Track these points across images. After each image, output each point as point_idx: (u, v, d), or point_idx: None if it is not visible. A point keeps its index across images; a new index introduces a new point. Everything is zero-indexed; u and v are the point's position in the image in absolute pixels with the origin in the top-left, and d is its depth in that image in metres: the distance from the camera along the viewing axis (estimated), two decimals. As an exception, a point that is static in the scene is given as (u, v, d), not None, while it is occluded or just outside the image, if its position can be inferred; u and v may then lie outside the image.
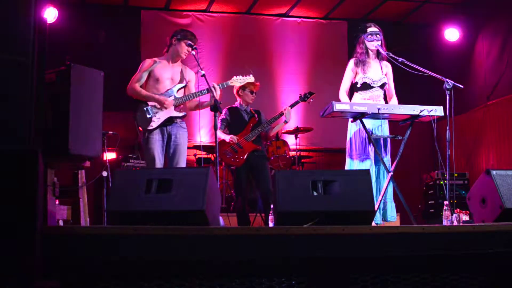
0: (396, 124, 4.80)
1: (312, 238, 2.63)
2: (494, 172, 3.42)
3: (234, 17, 8.69)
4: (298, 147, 7.24)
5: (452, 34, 8.21)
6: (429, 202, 7.48)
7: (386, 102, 4.85)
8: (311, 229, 2.67)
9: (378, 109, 4.38)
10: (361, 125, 4.49)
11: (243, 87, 5.61)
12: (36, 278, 2.26)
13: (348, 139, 4.78)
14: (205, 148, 6.93)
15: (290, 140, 7.37)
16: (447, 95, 4.32)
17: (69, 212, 3.70)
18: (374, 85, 4.73)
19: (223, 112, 5.62)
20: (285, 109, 5.65)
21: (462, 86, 4.38)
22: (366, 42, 4.76)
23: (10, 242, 2.21)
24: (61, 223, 3.78)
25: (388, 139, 4.73)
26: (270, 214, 4.39)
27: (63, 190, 3.52)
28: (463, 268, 2.78)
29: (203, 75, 4.55)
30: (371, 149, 4.59)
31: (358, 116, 4.44)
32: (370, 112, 4.38)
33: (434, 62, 7.77)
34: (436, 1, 8.35)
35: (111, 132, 6.54)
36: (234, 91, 5.70)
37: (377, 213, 4.53)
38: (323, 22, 8.99)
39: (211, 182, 2.91)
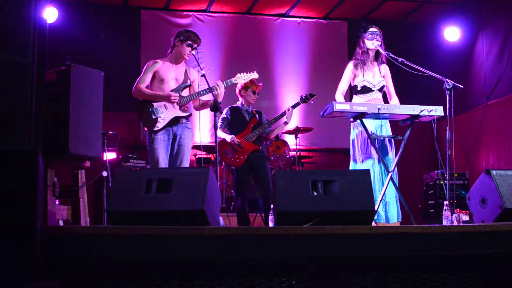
0: (396, 124, 4.80)
1: (312, 238, 2.62)
2: (494, 172, 3.42)
3: (234, 17, 8.70)
4: (298, 147, 7.24)
5: (452, 34, 8.21)
6: (429, 202, 7.49)
7: (386, 102, 4.85)
8: (311, 229, 2.67)
9: (378, 109, 4.38)
10: (361, 125, 4.50)
11: (245, 87, 5.62)
12: (36, 278, 2.26)
13: (351, 141, 4.79)
14: (205, 148, 6.94)
15: (290, 140, 7.37)
16: (447, 95, 4.32)
17: (69, 212, 3.69)
18: (373, 89, 4.75)
19: (225, 111, 5.63)
20: (288, 110, 5.65)
21: (462, 86, 4.39)
22: (366, 41, 4.77)
23: (10, 242, 2.21)
24: (61, 223, 3.78)
25: (391, 140, 4.73)
26: (270, 214, 4.40)
27: (63, 190, 3.52)
28: (463, 268, 2.78)
29: (203, 75, 4.56)
30: (373, 149, 4.59)
31: (358, 116, 4.44)
32: (370, 112, 4.38)
33: (434, 62, 7.78)
34: (436, 1, 8.36)
35: (111, 132, 6.54)
36: (237, 90, 5.71)
37: (381, 213, 4.53)
38: (323, 22, 8.99)
39: (211, 182, 2.91)
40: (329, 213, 2.88)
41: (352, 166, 4.77)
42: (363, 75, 4.75)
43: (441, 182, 7.02)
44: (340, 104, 4.38)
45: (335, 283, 2.69)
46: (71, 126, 3.18)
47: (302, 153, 8.00)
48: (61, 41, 6.61)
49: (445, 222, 4.04)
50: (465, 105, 7.93)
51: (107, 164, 6.20)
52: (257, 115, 5.73)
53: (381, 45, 4.76)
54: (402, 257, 2.71)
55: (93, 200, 6.54)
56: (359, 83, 4.76)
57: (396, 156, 4.65)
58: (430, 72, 4.52)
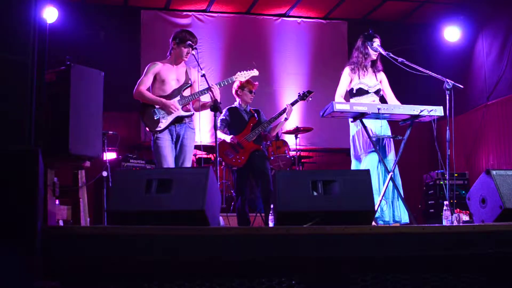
0: (396, 124, 4.80)
1: (312, 238, 2.63)
2: (494, 172, 3.42)
3: (234, 17, 8.70)
4: (298, 147, 7.24)
5: (452, 34, 8.21)
6: (429, 202, 7.49)
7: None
8: (311, 229, 2.67)
9: (378, 109, 4.39)
10: (361, 125, 4.50)
11: (241, 87, 5.62)
12: (36, 278, 2.26)
13: (351, 138, 4.79)
14: (205, 148, 6.93)
15: (290, 140, 7.37)
16: (447, 95, 4.32)
17: (69, 212, 3.69)
18: (370, 91, 4.76)
19: (223, 112, 5.63)
20: (287, 106, 5.64)
21: (462, 86, 4.39)
22: (369, 49, 4.78)
23: (10, 242, 2.21)
24: (61, 223, 3.78)
25: (390, 139, 4.73)
26: (270, 214, 4.39)
27: (63, 190, 3.52)
28: (463, 268, 2.78)
29: (203, 75, 4.56)
30: (373, 148, 4.59)
31: (358, 116, 4.44)
32: (370, 112, 4.38)
33: (434, 62, 7.77)
34: (436, 1, 8.35)
35: (111, 132, 6.54)
36: (233, 91, 5.71)
37: (387, 213, 4.53)
38: (323, 22, 8.99)
39: (211, 182, 2.91)
40: (329, 213, 2.88)
41: (354, 165, 4.76)
42: (359, 78, 4.77)
43: (441, 182, 7.02)
44: (340, 104, 4.38)
45: (335, 283, 2.69)
46: (71, 126, 3.19)
47: (302, 153, 7.99)
48: (61, 41, 6.60)
49: (445, 222, 4.03)
50: (465, 105, 7.92)
51: (107, 164, 6.20)
52: (255, 114, 5.73)
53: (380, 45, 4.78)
54: (402, 257, 2.71)
55: (93, 200, 6.54)
56: (355, 85, 4.78)
57: (396, 156, 4.65)
58: (430, 72, 4.52)
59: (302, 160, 7.69)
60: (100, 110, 3.46)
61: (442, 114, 4.46)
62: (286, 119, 5.67)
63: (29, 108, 2.49)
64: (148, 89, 4.70)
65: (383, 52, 4.73)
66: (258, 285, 2.62)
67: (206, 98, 4.82)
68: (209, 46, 8.35)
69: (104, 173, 6.03)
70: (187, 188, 2.84)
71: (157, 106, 4.63)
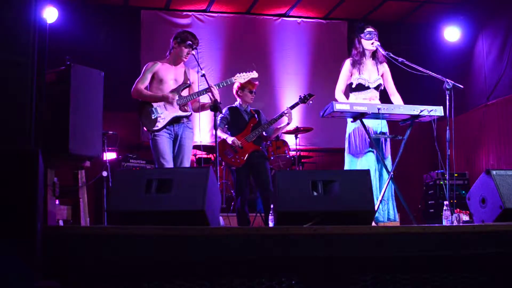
0: (396, 124, 4.80)
1: (312, 238, 2.62)
2: (494, 172, 3.42)
3: (234, 17, 8.70)
4: (298, 147, 7.24)
5: (452, 34, 8.21)
6: (429, 202, 7.48)
7: (387, 101, 4.85)
8: (311, 229, 2.67)
9: (378, 109, 4.38)
10: (360, 123, 4.49)
11: (242, 87, 5.62)
12: (36, 278, 2.26)
13: (347, 135, 4.76)
14: (205, 148, 6.93)
15: (290, 140, 7.37)
16: (447, 95, 4.32)
17: (69, 212, 3.69)
18: (370, 86, 4.73)
19: (224, 111, 5.63)
20: (286, 112, 5.64)
21: (462, 86, 4.39)
22: (363, 41, 4.76)
23: (10, 242, 2.21)
24: (61, 223, 3.78)
25: (388, 139, 4.73)
26: (270, 214, 4.39)
27: (63, 190, 3.52)
28: (463, 268, 2.78)
29: (203, 75, 4.57)
30: (370, 147, 4.59)
31: (358, 116, 4.44)
32: (370, 112, 4.38)
33: (434, 62, 7.77)
34: (436, 1, 8.35)
35: (111, 132, 6.54)
36: (234, 91, 5.71)
37: (382, 212, 4.53)
38: (323, 22, 8.99)
39: (211, 182, 2.91)
40: (329, 213, 2.88)
41: (349, 160, 4.74)
42: (359, 73, 4.75)
43: (441, 182, 7.02)
44: (340, 104, 4.38)
45: (335, 283, 2.69)
46: (71, 126, 3.19)
47: (302, 153, 7.99)
48: (61, 41, 6.61)
49: (445, 222, 4.04)
50: (465, 105, 7.92)
51: (107, 164, 6.20)
52: (256, 115, 5.73)
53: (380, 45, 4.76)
54: (402, 257, 2.71)
55: (93, 200, 6.54)
56: (354, 80, 4.75)
57: (395, 156, 4.64)
58: (430, 72, 4.52)
59: (302, 160, 7.69)
60: (100, 110, 3.46)
61: (442, 114, 4.46)
62: (288, 123, 5.69)
63: (29, 108, 2.49)
64: (146, 88, 4.71)
65: (383, 52, 4.73)
66: (258, 285, 2.62)
67: (205, 99, 4.82)
68: (209, 46, 8.35)
69: (104, 173, 6.03)
70: (187, 188, 2.84)
71: (154, 105, 4.62)
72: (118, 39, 8.07)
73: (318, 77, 8.59)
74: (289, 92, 8.48)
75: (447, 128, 4.27)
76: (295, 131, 7.25)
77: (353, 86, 4.75)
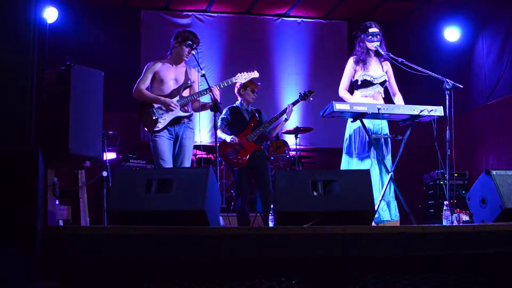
0: (396, 124, 4.80)
1: (312, 238, 2.62)
2: (494, 172, 3.42)
3: (234, 17, 8.70)
4: (298, 147, 7.24)
5: (452, 34, 8.21)
6: (429, 202, 7.48)
7: (389, 100, 4.84)
8: (311, 229, 2.67)
9: (378, 109, 4.38)
10: (360, 124, 4.49)
11: (244, 86, 5.62)
12: (36, 278, 2.26)
13: (347, 136, 4.75)
14: (205, 148, 6.93)
15: (290, 140, 7.37)
16: (447, 95, 4.32)
17: (69, 212, 3.70)
18: (375, 82, 4.72)
19: (224, 111, 5.63)
20: (288, 106, 5.65)
21: (462, 86, 4.38)
22: (366, 42, 4.76)
23: (10, 242, 2.21)
24: (61, 223, 3.78)
25: (389, 139, 4.73)
26: (270, 214, 4.39)
27: (63, 190, 3.51)
28: (463, 268, 2.78)
29: (203, 75, 4.57)
30: (371, 148, 4.59)
31: (358, 116, 4.44)
32: (370, 112, 4.38)
33: (434, 62, 7.77)
34: (436, 1, 8.35)
35: (111, 132, 6.54)
36: (235, 90, 5.70)
37: (383, 212, 4.52)
38: (323, 22, 8.99)
39: (211, 182, 2.91)
40: (329, 213, 2.88)
41: (346, 161, 4.72)
42: (363, 69, 4.73)
43: (441, 182, 7.02)
44: (340, 104, 4.38)
45: (335, 283, 2.69)
46: (71, 126, 3.18)
47: (302, 153, 7.99)
48: (61, 41, 6.60)
49: (445, 222, 4.04)
50: (465, 105, 7.92)
51: (107, 164, 6.20)
52: (256, 114, 5.73)
53: (380, 44, 4.75)
54: (402, 257, 2.71)
55: (93, 200, 6.54)
56: (360, 77, 4.73)
57: (394, 156, 4.65)
58: (430, 72, 4.52)
59: (302, 160, 7.69)
60: (100, 110, 3.45)
61: (442, 114, 4.46)
62: (286, 119, 5.68)
63: (29, 108, 2.49)
64: (147, 89, 4.71)
65: (382, 53, 4.72)
66: (258, 285, 2.62)
67: (205, 99, 4.81)
68: (209, 46, 8.35)
69: (104, 173, 6.03)
70: (187, 188, 2.84)
71: (155, 106, 4.62)
72: (118, 39, 8.07)
73: (318, 77, 8.59)
74: (289, 92, 8.48)
75: (447, 128, 4.27)
76: (295, 131, 7.24)
77: (359, 82, 4.73)
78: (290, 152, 7.07)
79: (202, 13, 8.56)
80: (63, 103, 3.21)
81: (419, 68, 4.54)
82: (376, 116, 4.45)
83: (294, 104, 5.73)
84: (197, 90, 4.81)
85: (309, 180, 2.97)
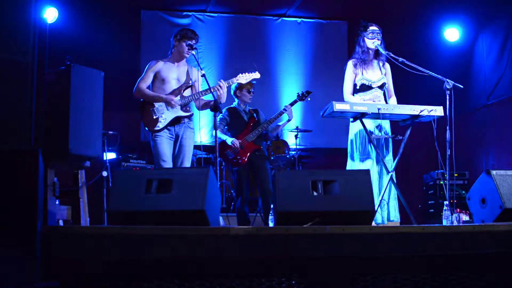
0: (396, 124, 4.80)
1: (312, 238, 2.62)
2: (494, 172, 3.42)
3: (234, 17, 8.69)
4: (298, 147, 7.24)
5: (452, 34, 8.21)
6: (429, 202, 7.48)
7: (386, 102, 4.84)
8: (311, 229, 2.67)
9: (378, 109, 4.39)
10: (361, 124, 4.49)
11: (239, 88, 5.62)
12: (36, 278, 2.26)
13: (349, 140, 4.77)
14: (205, 148, 6.93)
15: (290, 140, 7.37)
16: (447, 95, 4.32)
17: (69, 212, 3.69)
18: (373, 86, 4.72)
19: (223, 112, 5.63)
20: (286, 109, 5.65)
21: (462, 86, 4.38)
22: (366, 40, 4.75)
23: (10, 242, 2.21)
24: (61, 223, 3.77)
25: (390, 139, 4.73)
26: (270, 214, 4.40)
27: (63, 190, 3.51)
28: (463, 268, 2.78)
29: (203, 75, 4.57)
30: (371, 149, 4.59)
31: (358, 116, 4.44)
32: (370, 112, 4.38)
33: (434, 62, 7.76)
34: (436, 1, 8.35)
35: (111, 132, 6.54)
36: (232, 92, 5.71)
37: (380, 214, 4.52)
38: (323, 22, 8.99)
39: (211, 182, 2.91)
40: (329, 213, 2.88)
41: (349, 165, 4.75)
42: (362, 74, 4.73)
43: (441, 182, 7.02)
44: (340, 104, 4.38)
45: (335, 283, 2.69)
46: (71, 126, 3.18)
47: (302, 153, 7.99)
48: (61, 41, 6.60)
49: (445, 222, 4.04)
50: (465, 105, 7.92)
51: (107, 164, 6.20)
52: (254, 114, 5.73)
53: (381, 44, 4.75)
54: (402, 257, 2.71)
55: (93, 200, 6.53)
56: (358, 81, 4.74)
57: (395, 156, 4.65)
58: (430, 72, 4.52)
59: (302, 160, 7.68)
60: (100, 110, 3.46)
61: (442, 114, 4.46)
62: (289, 120, 5.70)
63: (29, 108, 2.49)
64: (148, 88, 4.71)
65: (383, 52, 4.72)
66: (258, 285, 2.62)
67: (208, 97, 4.80)
68: (209, 46, 8.34)
69: (104, 173, 6.03)
70: (187, 188, 2.84)
71: (156, 105, 4.62)
72: (118, 39, 8.06)
73: (318, 77, 8.59)
74: (289, 92, 8.47)
75: (447, 128, 4.27)
76: (295, 131, 7.24)
77: (357, 87, 4.74)
78: (290, 152, 7.08)
79: (202, 13, 8.56)
80: (63, 103, 3.21)
81: (420, 68, 4.54)
82: (376, 116, 4.45)
83: (292, 104, 5.74)
84: (198, 90, 4.81)
85: (309, 180, 2.97)
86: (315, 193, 2.95)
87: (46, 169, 3.07)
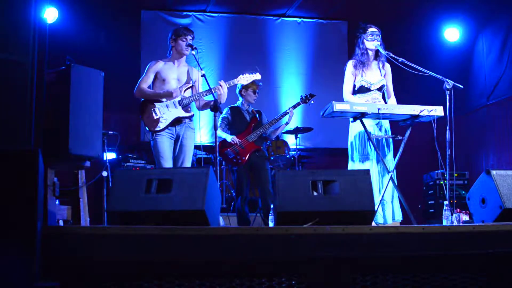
0: (396, 124, 4.80)
1: (312, 238, 2.62)
2: (494, 172, 3.42)
3: (234, 17, 8.70)
4: (298, 147, 7.24)
5: (452, 34, 8.21)
6: (429, 202, 7.48)
7: (385, 102, 4.85)
8: (311, 229, 2.67)
9: (378, 109, 4.38)
10: (361, 125, 4.49)
11: (245, 87, 5.63)
12: (36, 278, 2.25)
13: (349, 142, 4.77)
14: (205, 148, 6.93)
15: (290, 140, 7.37)
16: (447, 95, 4.32)
17: (69, 212, 3.69)
18: (372, 88, 4.72)
19: (225, 111, 5.63)
20: (289, 111, 5.66)
21: (462, 86, 4.38)
22: (365, 42, 4.75)
23: (10, 242, 2.21)
24: (61, 223, 3.78)
25: (390, 139, 4.73)
26: (270, 214, 4.40)
27: (63, 190, 3.52)
28: (463, 268, 2.78)
29: (203, 75, 4.57)
30: (371, 150, 4.59)
31: (358, 116, 4.44)
32: (370, 112, 4.38)
33: (434, 62, 7.77)
34: (436, 1, 8.35)
35: (111, 132, 6.54)
36: (237, 90, 5.71)
37: (381, 214, 4.52)
38: (323, 22, 8.99)
39: (211, 182, 2.91)
40: (329, 213, 2.88)
41: (350, 165, 4.76)
42: (361, 75, 4.73)
43: (441, 182, 7.02)
44: (340, 104, 4.37)
45: (335, 283, 2.69)
46: (71, 126, 3.19)
47: (302, 153, 7.99)
48: (61, 41, 6.60)
49: (445, 222, 4.03)
50: (465, 105, 7.92)
51: (107, 164, 6.20)
52: (257, 115, 5.73)
53: (380, 45, 4.75)
54: (402, 257, 2.71)
55: (93, 200, 6.54)
56: (357, 83, 4.74)
57: (395, 156, 4.64)
58: (430, 72, 4.52)
59: (302, 160, 7.68)
60: (100, 110, 3.46)
61: (442, 114, 4.46)
62: (287, 123, 5.70)
63: (29, 108, 2.49)
64: (149, 88, 4.71)
65: (383, 52, 4.72)
66: (258, 285, 2.62)
67: (208, 97, 4.80)
68: (209, 46, 8.35)
69: (104, 173, 6.03)
70: (187, 188, 2.84)
71: (157, 105, 4.63)
72: (118, 39, 8.07)
73: (318, 77, 8.59)
74: (289, 92, 8.48)
75: (447, 128, 4.27)
76: (295, 131, 7.24)
77: (356, 88, 4.74)
78: (290, 152, 7.08)
79: (202, 13, 8.56)
80: (63, 103, 3.21)
81: (420, 68, 4.54)
82: (376, 116, 4.45)
83: (294, 107, 5.75)
84: (199, 90, 4.81)
85: (309, 180, 2.97)
86: (315, 193, 2.95)
87: (46, 169, 3.08)
